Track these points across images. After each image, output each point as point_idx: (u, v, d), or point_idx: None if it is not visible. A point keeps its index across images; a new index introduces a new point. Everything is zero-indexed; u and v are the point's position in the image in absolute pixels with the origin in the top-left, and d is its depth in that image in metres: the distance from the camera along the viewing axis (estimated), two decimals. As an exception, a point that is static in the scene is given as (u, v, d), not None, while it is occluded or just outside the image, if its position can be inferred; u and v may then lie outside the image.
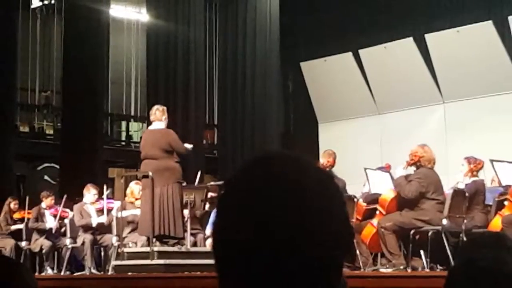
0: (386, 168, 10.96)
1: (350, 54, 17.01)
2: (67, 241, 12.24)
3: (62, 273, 11.90)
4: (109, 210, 12.10)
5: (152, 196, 9.83)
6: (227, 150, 18.05)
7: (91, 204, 12.14)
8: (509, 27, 14.81)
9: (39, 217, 12.73)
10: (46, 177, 17.55)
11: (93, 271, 11.70)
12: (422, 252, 9.20)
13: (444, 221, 9.05)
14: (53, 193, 13.26)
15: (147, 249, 9.96)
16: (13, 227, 13.10)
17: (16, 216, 13.19)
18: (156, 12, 17.40)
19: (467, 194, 9.36)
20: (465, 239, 8.80)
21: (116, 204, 12.10)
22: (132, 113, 19.49)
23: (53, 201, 12.88)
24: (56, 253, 12.66)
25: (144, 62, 18.16)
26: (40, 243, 12.54)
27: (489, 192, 9.79)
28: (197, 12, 17.54)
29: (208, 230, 11.78)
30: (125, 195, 12.38)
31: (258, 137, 17.73)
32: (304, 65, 18.05)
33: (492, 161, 9.93)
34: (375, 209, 10.02)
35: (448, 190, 9.58)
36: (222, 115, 18.59)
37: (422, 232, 9.16)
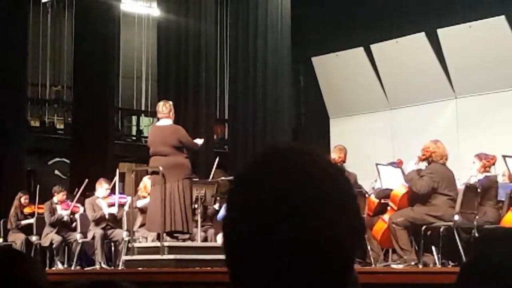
0: (398, 164, 10.91)
1: (361, 49, 16.97)
2: (78, 235, 12.25)
3: (72, 268, 11.91)
4: (121, 205, 12.11)
5: (163, 192, 9.83)
6: (237, 145, 18.03)
7: (103, 198, 12.13)
8: (522, 22, 14.75)
9: (51, 212, 12.75)
10: (56, 172, 17.59)
11: (104, 266, 11.70)
12: (433, 248, 9.16)
13: (456, 217, 9.00)
14: (64, 188, 13.28)
15: (158, 244, 9.96)
16: (24, 222, 13.14)
17: (27, 210, 13.23)
18: (167, 6, 17.39)
19: (479, 190, 9.31)
20: (477, 235, 8.75)
21: (128, 199, 12.10)
22: (143, 108, 19.51)
23: (65, 196, 12.90)
24: (66, 247, 12.67)
25: (154, 56, 18.17)
26: (51, 237, 12.55)
27: (501, 188, 9.74)
28: (208, 7, 17.52)
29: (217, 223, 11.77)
30: (136, 190, 12.36)
31: (269, 132, 17.71)
32: (315, 60, 18.02)
33: (504, 156, 9.88)
34: (387, 204, 9.97)
35: (460, 185, 9.53)
36: (233, 110, 18.57)
37: (433, 228, 9.11)
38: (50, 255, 12.66)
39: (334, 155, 10.70)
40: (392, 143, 16.30)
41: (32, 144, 16.39)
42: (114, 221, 12.11)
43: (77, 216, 12.50)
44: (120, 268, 10.87)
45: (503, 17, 14.89)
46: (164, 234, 9.97)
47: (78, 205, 12.60)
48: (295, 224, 1.21)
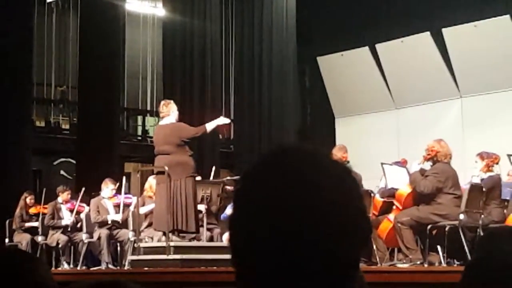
0: (403, 163, 10.92)
1: (367, 48, 16.96)
2: (84, 236, 12.26)
3: (78, 268, 11.92)
4: (127, 206, 12.11)
5: (169, 191, 9.84)
6: (243, 145, 18.02)
7: (109, 199, 12.14)
8: (527, 21, 14.72)
9: (55, 212, 12.76)
10: (62, 172, 17.60)
11: (110, 266, 11.71)
12: (439, 247, 9.15)
13: (461, 216, 9.00)
14: (69, 187, 13.29)
15: (164, 244, 9.96)
16: (27, 224, 13.13)
17: (32, 211, 13.22)
18: (172, 6, 17.38)
19: (484, 189, 9.31)
20: (482, 234, 8.74)
21: (134, 199, 12.10)
22: (148, 108, 19.51)
23: (69, 196, 12.90)
24: (72, 248, 12.68)
25: (160, 56, 18.17)
26: (57, 237, 12.56)
27: (505, 187, 9.73)
28: (213, 7, 17.51)
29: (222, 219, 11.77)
30: (142, 190, 12.37)
31: (275, 132, 17.70)
32: (320, 60, 18.01)
33: (509, 155, 9.87)
34: (392, 203, 9.97)
35: (464, 185, 9.52)
36: (238, 110, 18.56)
37: (439, 227, 9.11)
38: (56, 255, 12.67)
39: (338, 154, 10.68)
40: (398, 142, 16.29)
41: (37, 144, 16.39)
42: (118, 223, 12.12)
43: (82, 216, 12.51)
44: (126, 268, 10.88)
45: (508, 16, 14.87)
46: (171, 234, 9.98)
47: (84, 204, 12.60)
48: (301, 223, 1.21)
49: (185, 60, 17.14)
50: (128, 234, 11.80)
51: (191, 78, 17.10)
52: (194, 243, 10.29)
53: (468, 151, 13.08)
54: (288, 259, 1.21)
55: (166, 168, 9.84)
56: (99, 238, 11.86)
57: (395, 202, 9.83)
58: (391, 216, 9.67)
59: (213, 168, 12.49)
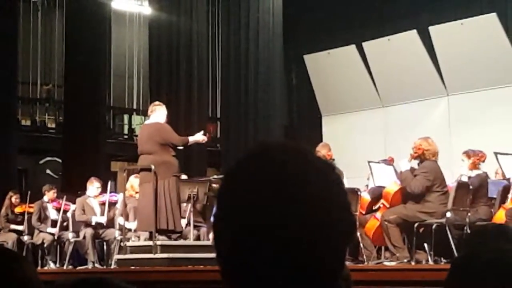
0: (389, 161, 10.93)
1: (353, 46, 16.97)
2: (70, 235, 12.22)
3: (64, 267, 11.87)
4: (112, 204, 12.08)
5: (155, 190, 9.82)
6: (230, 143, 18.01)
7: (94, 197, 12.10)
8: (513, 19, 14.76)
9: (42, 211, 12.71)
10: (48, 171, 17.53)
11: (96, 265, 11.67)
12: (426, 245, 9.17)
13: (448, 214, 9.01)
14: (55, 186, 13.24)
15: (150, 243, 9.94)
16: (13, 227, 13.07)
17: (18, 210, 13.17)
18: (158, 5, 17.36)
19: (471, 187, 9.32)
20: (469, 232, 8.76)
21: (120, 197, 12.08)
22: (135, 106, 19.46)
23: (55, 195, 12.86)
24: (58, 247, 12.63)
25: (146, 55, 18.13)
26: (42, 237, 12.51)
27: (492, 185, 9.76)
28: (199, 5, 17.49)
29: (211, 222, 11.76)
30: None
31: (261, 130, 17.69)
32: (307, 58, 18.01)
33: (496, 153, 9.89)
34: (379, 202, 9.98)
35: (452, 183, 9.54)
36: (225, 108, 18.54)
37: (426, 225, 9.12)
38: (42, 254, 12.62)
39: (324, 151, 10.66)
40: (385, 140, 16.31)
41: (23, 143, 16.32)
42: (107, 220, 12.07)
43: (69, 214, 12.47)
44: (112, 267, 10.84)
45: (494, 14, 14.90)
46: (156, 233, 9.96)
47: (69, 203, 12.56)
48: (285, 221, 1.20)
49: (172, 58, 17.12)
50: (114, 233, 11.77)
51: (178, 76, 17.08)
52: (181, 242, 10.28)
53: (455, 149, 13.10)
54: (272, 256, 1.20)
55: (153, 167, 9.81)
56: (85, 237, 11.83)
57: (382, 200, 9.84)
58: (378, 214, 9.69)
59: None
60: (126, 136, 19.14)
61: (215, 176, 12.62)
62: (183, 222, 11.12)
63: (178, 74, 17.10)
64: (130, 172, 12.06)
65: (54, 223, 12.66)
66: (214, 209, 1.30)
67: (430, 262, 8.94)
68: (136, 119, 19.47)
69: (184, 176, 11.57)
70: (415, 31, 15.95)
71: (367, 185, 10.94)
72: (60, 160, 16.72)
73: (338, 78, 17.34)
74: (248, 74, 17.97)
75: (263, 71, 17.95)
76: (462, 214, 9.17)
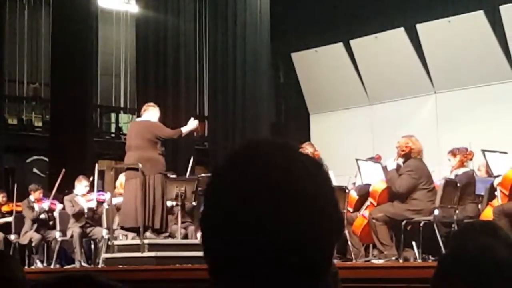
0: (377, 159, 10.95)
1: (341, 44, 16.98)
2: (57, 234, 12.18)
3: (51, 266, 11.84)
4: (100, 202, 12.05)
5: (142, 187, 9.82)
6: (217, 141, 18.00)
7: (82, 196, 12.07)
8: (500, 16, 14.79)
9: (31, 209, 12.66)
10: (35, 170, 17.47)
11: (83, 264, 11.64)
12: (414, 243, 9.18)
13: (436, 212, 9.03)
14: (41, 186, 13.18)
15: (138, 241, 9.92)
16: (1, 220, 13.04)
17: (5, 209, 13.14)
18: (145, 3, 17.32)
19: (458, 185, 9.34)
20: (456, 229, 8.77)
21: (107, 196, 12.05)
22: (122, 105, 19.42)
23: (41, 194, 12.81)
24: (45, 246, 12.59)
25: (133, 53, 18.10)
26: (30, 236, 12.47)
27: (480, 182, 9.78)
28: (186, 3, 17.47)
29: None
30: (114, 187, 12.31)
31: (249, 128, 17.69)
32: (295, 56, 18.02)
33: (483, 151, 9.91)
34: (367, 200, 9.99)
35: (439, 180, 9.56)
36: (212, 107, 18.53)
37: (413, 222, 9.13)
38: (29, 253, 12.57)
39: (310, 150, 10.66)
40: (372, 138, 16.33)
41: (9, 142, 16.27)
42: (93, 219, 12.04)
43: (56, 214, 12.43)
44: (100, 266, 10.82)
45: (481, 12, 14.94)
46: (144, 230, 9.94)
47: (56, 202, 12.52)
48: (273, 218, 1.20)
49: (159, 57, 17.09)
50: (102, 232, 11.74)
51: (165, 75, 17.06)
52: (169, 241, 10.27)
53: (443, 147, 13.13)
54: (260, 254, 1.19)
55: (140, 165, 9.80)
56: (72, 236, 11.79)
57: (370, 198, 9.85)
58: (366, 212, 9.69)
59: (191, 161, 12.55)
60: (113, 135, 19.09)
61: (203, 174, 12.61)
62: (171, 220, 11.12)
63: (165, 72, 17.07)
64: (117, 171, 12.04)
65: (41, 222, 12.60)
66: (202, 207, 1.30)
67: (418, 259, 8.96)
68: (123, 117, 19.43)
69: (172, 175, 11.56)
70: (402, 29, 15.98)
71: (354, 183, 10.95)
72: (47, 159, 16.66)
73: (326, 76, 17.35)
74: (236, 73, 17.96)
75: (250, 69, 17.94)
76: (449, 212, 9.19)
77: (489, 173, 10.24)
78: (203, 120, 19.33)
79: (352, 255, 9.79)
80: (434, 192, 9.19)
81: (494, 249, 2.06)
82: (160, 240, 10.17)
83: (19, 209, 12.83)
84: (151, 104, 10.55)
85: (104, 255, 10.77)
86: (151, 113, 10.24)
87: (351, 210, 10.22)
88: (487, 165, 10.15)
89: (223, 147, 17.59)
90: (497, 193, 9.26)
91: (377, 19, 16.64)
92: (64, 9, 15.88)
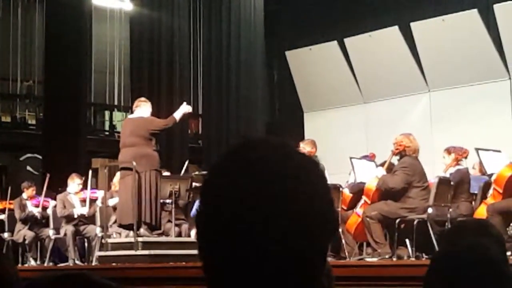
0: (371, 157, 10.96)
1: (335, 43, 16.97)
2: (50, 232, 12.17)
3: (45, 264, 11.83)
4: (93, 200, 12.04)
5: (137, 184, 9.82)
6: (211, 139, 18.00)
7: (75, 194, 12.06)
8: (494, 15, 14.80)
9: (21, 208, 12.63)
10: (28, 168, 17.44)
11: (77, 262, 11.63)
12: (407, 241, 9.19)
13: (430, 210, 9.04)
14: (34, 183, 13.16)
15: (132, 239, 9.92)
16: None
17: (-2, 206, 13.12)
18: (139, 0, 17.30)
19: (452, 183, 9.36)
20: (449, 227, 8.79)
21: (100, 194, 12.04)
22: (116, 103, 19.40)
23: (34, 192, 12.79)
24: (39, 244, 12.57)
25: (127, 51, 18.08)
26: (23, 233, 12.44)
27: (474, 181, 9.79)
28: (181, 1, 17.46)
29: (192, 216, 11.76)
30: (109, 186, 12.31)
31: (243, 126, 17.69)
32: (289, 54, 18.00)
33: (477, 149, 9.92)
34: (361, 198, 10.00)
35: (433, 179, 9.57)
36: (206, 105, 18.53)
37: (407, 221, 9.14)
38: (22, 251, 12.55)
39: (307, 148, 10.68)
40: (366, 136, 16.33)
41: (3, 140, 16.24)
42: (87, 217, 12.03)
43: (49, 211, 12.41)
44: (93, 264, 10.81)
45: (475, 10, 14.94)
46: (139, 228, 9.94)
47: (49, 199, 12.50)
48: (268, 216, 1.19)
49: (153, 55, 17.08)
50: (95, 230, 11.73)
51: (159, 73, 17.04)
52: (163, 239, 10.27)
53: (437, 145, 13.13)
54: (254, 252, 1.19)
55: (134, 163, 9.80)
56: (65, 235, 11.78)
57: (364, 197, 9.86)
58: (360, 210, 9.70)
59: (186, 162, 12.56)
60: (107, 133, 19.07)
61: (197, 173, 12.62)
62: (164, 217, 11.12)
63: (160, 70, 17.06)
64: (111, 169, 12.04)
65: (34, 220, 12.58)
66: (196, 204, 1.30)
67: (412, 258, 8.97)
68: (117, 115, 19.41)
69: (166, 173, 11.56)
70: (396, 27, 15.97)
71: (348, 181, 10.95)
72: (40, 157, 16.64)
73: (320, 74, 17.34)
74: (230, 70, 17.96)
75: (244, 67, 17.94)
76: (443, 210, 9.20)
77: (482, 171, 10.26)
78: (197, 117, 19.32)
79: (346, 253, 9.80)
80: (428, 191, 9.21)
81: (487, 248, 2.06)
82: (154, 238, 10.18)
83: (12, 207, 12.80)
84: (143, 99, 10.53)
85: (97, 253, 10.77)
86: (143, 108, 10.24)
87: (345, 208, 10.23)
88: (481, 163, 10.17)
89: (217, 145, 17.59)
90: (491, 191, 9.29)
91: (371, 17, 16.64)
92: (58, 6, 15.85)
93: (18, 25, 18.20)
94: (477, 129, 14.14)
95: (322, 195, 1.25)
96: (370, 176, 9.96)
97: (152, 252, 9.73)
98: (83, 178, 12.24)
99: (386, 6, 16.58)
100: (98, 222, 11.77)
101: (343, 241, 9.85)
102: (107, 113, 19.60)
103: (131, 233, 10.11)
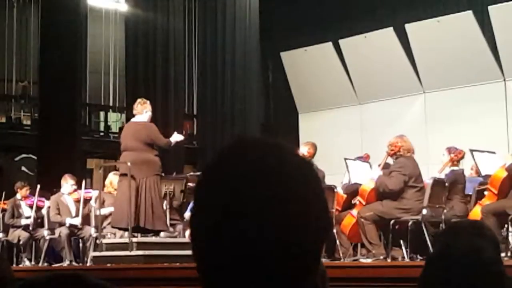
0: (366, 158, 10.97)
1: (330, 44, 16.99)
2: (45, 232, 12.14)
3: (40, 265, 11.81)
4: (87, 200, 12.03)
5: (133, 188, 9.82)
6: (206, 140, 18.00)
7: (69, 194, 12.04)
8: (489, 17, 14.83)
9: (15, 209, 12.62)
10: (23, 168, 17.41)
11: (72, 262, 11.61)
12: (402, 242, 9.20)
13: (424, 211, 9.06)
14: (28, 183, 13.14)
15: (126, 240, 9.92)
16: None
17: (-8, 207, 13.08)
18: (134, 1, 17.29)
19: (446, 184, 9.38)
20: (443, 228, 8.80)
21: (94, 193, 12.03)
22: (111, 103, 19.37)
23: (28, 192, 12.77)
24: (34, 244, 12.55)
25: (122, 52, 18.05)
26: (18, 234, 12.43)
27: (468, 182, 9.82)
28: (176, 2, 17.46)
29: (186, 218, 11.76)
30: (104, 186, 12.30)
31: (238, 127, 17.69)
32: (284, 55, 18.01)
33: (472, 151, 9.95)
34: (354, 199, 10.02)
35: (428, 179, 9.59)
36: (201, 106, 18.52)
37: (402, 222, 9.15)
38: (17, 252, 12.53)
39: (304, 150, 10.71)
40: (361, 138, 16.35)
41: (-2, 140, 16.21)
42: (82, 217, 12.00)
43: (44, 211, 12.39)
44: (88, 264, 10.80)
45: (470, 12, 14.97)
46: (132, 230, 9.94)
47: (43, 199, 12.48)
48: (261, 217, 1.19)
49: (148, 55, 17.07)
50: (90, 230, 11.72)
51: (154, 73, 17.04)
52: (157, 239, 10.27)
53: (431, 146, 13.19)
54: (248, 253, 1.19)
55: (129, 163, 9.80)
56: (60, 236, 11.77)
57: (358, 197, 9.87)
58: (354, 211, 9.72)
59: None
60: (102, 133, 19.05)
61: (192, 173, 12.61)
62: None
63: (155, 71, 17.06)
64: (106, 169, 12.04)
65: (27, 226, 12.56)
66: (191, 205, 1.30)
67: (406, 259, 8.98)
68: (112, 116, 19.38)
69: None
70: (391, 28, 15.99)
71: (342, 182, 10.97)
72: (35, 157, 16.62)
73: (315, 75, 17.35)
74: (225, 71, 17.96)
75: (239, 68, 17.94)
76: (438, 211, 9.22)
77: (478, 172, 10.29)
78: (192, 118, 19.32)
79: (341, 254, 9.81)
80: (423, 192, 9.23)
81: (481, 249, 2.07)
82: (148, 239, 10.19)
83: (6, 207, 12.78)
84: (142, 101, 10.52)
85: (92, 254, 10.76)
86: (144, 113, 10.27)
87: (339, 209, 10.24)
88: (476, 164, 10.20)
89: (212, 146, 17.58)
90: (486, 192, 9.31)
91: (366, 18, 16.66)
92: (53, 7, 15.84)
93: (13, 26, 18.17)
94: (471, 130, 14.16)
95: (316, 195, 1.25)
96: (365, 177, 9.98)
97: (147, 252, 9.74)
98: (77, 179, 12.23)
99: (381, 8, 16.61)
100: (93, 223, 11.76)
101: (338, 242, 9.86)
102: (102, 113, 19.57)
103: (126, 233, 10.11)
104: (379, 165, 9.90)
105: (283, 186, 1.21)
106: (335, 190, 10.36)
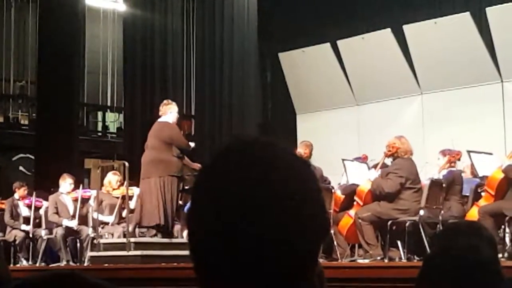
0: (363, 159, 10.98)
1: (328, 45, 16.98)
2: (43, 232, 12.14)
3: (37, 265, 11.81)
4: (85, 200, 12.02)
5: (157, 186, 9.88)
6: (204, 141, 17.97)
7: (67, 194, 12.04)
8: (487, 18, 14.83)
9: (13, 209, 12.61)
10: (21, 168, 17.42)
11: (69, 262, 11.61)
12: (399, 242, 9.20)
13: (422, 212, 9.06)
14: (26, 183, 13.14)
15: (124, 240, 9.92)
16: None
17: (-10, 207, 13.09)
18: (132, 1, 17.29)
19: (444, 185, 9.38)
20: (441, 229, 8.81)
21: (93, 193, 12.02)
22: (109, 104, 19.38)
23: (26, 192, 12.77)
24: (31, 244, 12.54)
25: (120, 51, 18.06)
26: (15, 233, 12.42)
27: (466, 183, 9.82)
28: (174, 2, 17.45)
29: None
30: (102, 185, 12.30)
31: (236, 128, 17.68)
32: (282, 56, 18.00)
33: (469, 152, 9.95)
34: (353, 199, 10.01)
35: (425, 180, 9.60)
36: (199, 106, 18.52)
37: (399, 222, 9.16)
38: (14, 251, 12.53)
39: (300, 150, 10.73)
40: (359, 138, 16.35)
41: (-4, 140, 16.20)
42: (80, 217, 12.00)
43: (41, 211, 12.38)
44: (85, 264, 10.80)
45: (468, 13, 14.97)
46: (131, 229, 9.95)
47: (41, 199, 12.47)
48: (259, 217, 1.19)
49: (146, 55, 17.07)
50: (87, 230, 11.71)
51: (152, 73, 17.03)
52: (155, 239, 10.26)
53: (429, 147, 13.18)
54: (246, 253, 1.19)
55: (127, 163, 9.82)
56: (56, 236, 11.77)
57: (356, 198, 9.87)
58: (352, 212, 9.72)
59: None
60: (99, 133, 19.06)
61: (189, 174, 12.60)
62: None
63: (153, 71, 17.05)
64: (104, 169, 12.03)
65: (26, 221, 12.56)
66: (188, 205, 1.30)
67: (403, 259, 8.98)
68: (109, 116, 19.39)
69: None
70: (389, 29, 15.99)
71: (339, 183, 10.97)
72: (33, 157, 16.62)
73: (313, 76, 17.34)
74: (223, 72, 17.96)
75: (237, 68, 17.94)
76: (435, 212, 9.22)
77: (474, 173, 10.29)
78: (189, 118, 19.32)
79: (338, 255, 9.82)
80: (421, 193, 9.23)
81: (478, 249, 2.07)
82: (146, 239, 10.17)
83: (4, 207, 12.78)
84: (167, 102, 10.60)
85: (89, 254, 10.76)
86: (169, 114, 10.33)
87: (337, 209, 10.24)
88: (472, 165, 10.20)
89: (210, 146, 17.57)
90: (483, 193, 9.32)
91: (364, 20, 16.65)
92: (51, 7, 15.83)
93: (11, 25, 18.17)
94: (469, 132, 14.15)
95: (313, 195, 1.25)
96: (362, 177, 9.98)
97: (144, 252, 9.74)
98: (75, 178, 12.23)
99: (379, 9, 16.60)
100: (90, 223, 11.76)
101: (335, 242, 9.86)
102: (100, 113, 19.58)
103: (123, 233, 10.12)
104: (373, 166, 9.92)
105: (280, 185, 1.21)
106: (333, 190, 10.37)
